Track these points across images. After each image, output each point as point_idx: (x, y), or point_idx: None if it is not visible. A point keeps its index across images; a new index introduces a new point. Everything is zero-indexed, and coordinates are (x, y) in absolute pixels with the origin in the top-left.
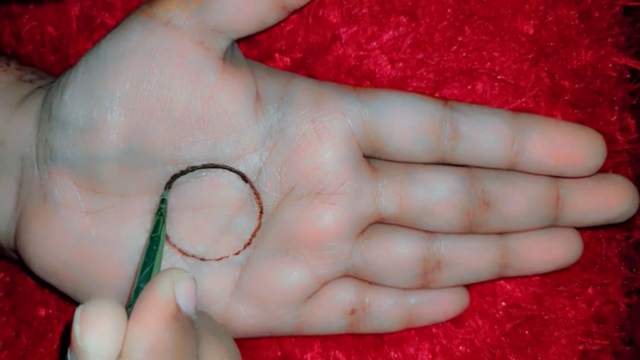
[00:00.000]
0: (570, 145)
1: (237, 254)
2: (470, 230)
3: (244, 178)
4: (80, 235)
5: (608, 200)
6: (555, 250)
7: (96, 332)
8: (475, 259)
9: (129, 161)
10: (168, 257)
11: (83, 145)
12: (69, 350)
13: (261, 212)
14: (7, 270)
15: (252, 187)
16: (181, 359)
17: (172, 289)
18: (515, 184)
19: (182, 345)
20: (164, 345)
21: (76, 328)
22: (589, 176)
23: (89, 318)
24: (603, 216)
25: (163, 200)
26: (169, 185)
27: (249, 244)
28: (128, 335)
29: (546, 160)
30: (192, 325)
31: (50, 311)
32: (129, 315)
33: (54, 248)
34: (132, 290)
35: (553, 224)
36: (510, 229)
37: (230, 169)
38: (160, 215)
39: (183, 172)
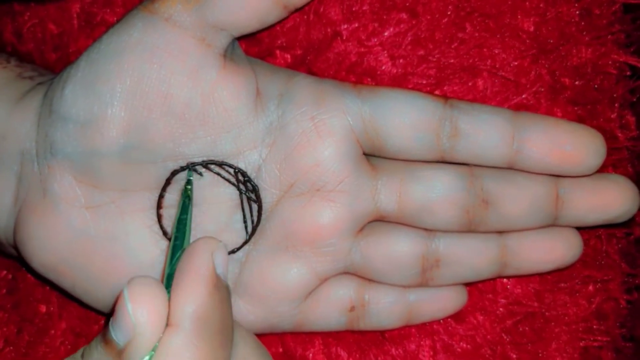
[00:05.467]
0: (571, 144)
1: (235, 251)
2: (469, 229)
3: (244, 175)
4: (80, 231)
5: (608, 200)
6: (555, 250)
7: (147, 306)
8: (474, 257)
9: (129, 156)
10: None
11: (83, 140)
12: (112, 328)
13: (260, 209)
14: (10, 268)
15: (252, 183)
16: (223, 326)
17: (211, 258)
18: (515, 182)
19: (224, 313)
20: (208, 313)
21: (128, 305)
22: (589, 175)
23: (139, 294)
24: (603, 216)
25: (189, 182)
26: (168, 181)
27: (247, 241)
28: (173, 305)
29: (546, 159)
30: (229, 294)
31: (52, 308)
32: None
33: (53, 243)
34: (165, 275)
35: (553, 224)
36: (510, 228)
37: (230, 166)
38: (187, 197)
39: (183, 168)
